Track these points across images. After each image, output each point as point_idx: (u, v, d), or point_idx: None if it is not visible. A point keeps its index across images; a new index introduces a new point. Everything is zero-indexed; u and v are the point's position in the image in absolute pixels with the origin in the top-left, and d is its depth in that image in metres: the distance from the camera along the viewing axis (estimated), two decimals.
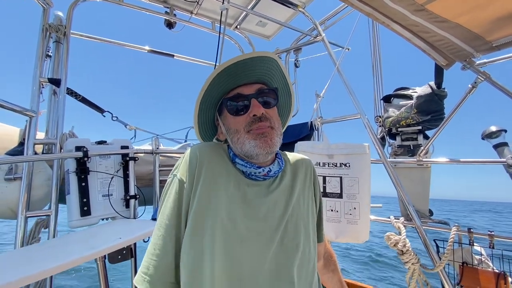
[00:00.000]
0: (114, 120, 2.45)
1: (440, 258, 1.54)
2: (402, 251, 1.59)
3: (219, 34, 1.98)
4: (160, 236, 0.65)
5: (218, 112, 0.79)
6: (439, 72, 1.73)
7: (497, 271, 1.46)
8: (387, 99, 2.12)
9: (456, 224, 1.59)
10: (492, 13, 1.13)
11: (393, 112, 1.99)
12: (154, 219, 1.61)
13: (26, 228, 1.53)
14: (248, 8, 2.38)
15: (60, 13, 2.03)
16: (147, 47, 2.68)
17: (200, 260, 0.60)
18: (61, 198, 1.63)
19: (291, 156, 0.87)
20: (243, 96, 0.72)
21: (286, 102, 0.87)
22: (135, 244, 1.50)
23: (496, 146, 1.54)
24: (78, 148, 1.52)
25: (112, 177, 1.64)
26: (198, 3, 2.42)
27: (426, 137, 1.92)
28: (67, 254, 1.02)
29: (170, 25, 2.54)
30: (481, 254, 1.54)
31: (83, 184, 1.52)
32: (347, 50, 2.41)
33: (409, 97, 1.94)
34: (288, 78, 0.82)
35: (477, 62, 1.42)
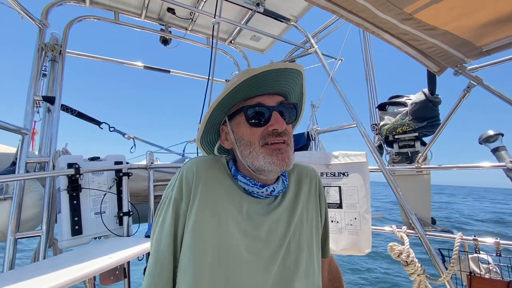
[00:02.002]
0: (111, 131, 2.44)
1: (446, 268, 1.48)
2: (406, 262, 1.54)
3: (212, 48, 2.01)
4: (156, 262, 0.61)
5: (229, 117, 0.71)
6: (431, 79, 1.75)
7: (507, 280, 1.40)
8: (382, 107, 2.13)
9: (460, 232, 1.54)
10: (479, 19, 1.15)
11: (389, 120, 1.99)
12: (147, 236, 1.56)
13: (15, 250, 1.47)
14: (242, 23, 2.43)
15: (56, 32, 2.06)
16: (142, 64, 2.72)
17: (197, 283, 0.57)
18: (56, 217, 1.58)
19: (295, 166, 0.82)
20: (264, 107, 0.66)
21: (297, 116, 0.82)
22: (128, 263, 1.44)
23: (494, 150, 1.52)
24: (70, 165, 1.49)
25: (105, 194, 1.60)
26: (192, 19, 2.47)
27: (423, 144, 1.91)
28: (54, 277, 0.97)
29: (165, 41, 2.58)
30: (488, 263, 1.48)
31: (75, 202, 1.48)
32: (340, 61, 2.45)
33: (403, 104, 1.94)
34: (305, 94, 0.77)
35: (469, 68, 1.43)
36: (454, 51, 1.36)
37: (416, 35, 1.27)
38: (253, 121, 0.66)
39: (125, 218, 1.62)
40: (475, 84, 1.42)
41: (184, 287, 0.57)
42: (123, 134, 2.57)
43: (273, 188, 0.69)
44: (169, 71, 2.92)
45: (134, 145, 2.52)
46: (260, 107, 0.66)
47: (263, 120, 0.66)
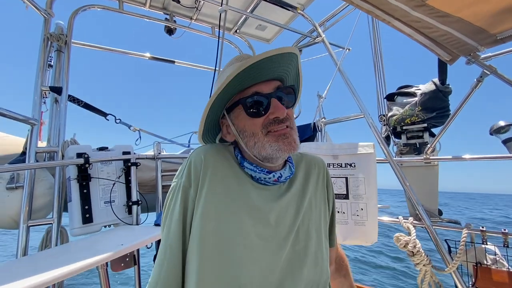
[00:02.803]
0: (117, 123, 2.45)
1: (452, 259, 1.49)
2: (412, 252, 1.54)
3: (218, 38, 1.98)
4: (166, 247, 0.61)
5: (227, 111, 0.71)
6: (442, 68, 1.71)
7: None
8: (390, 98, 2.10)
9: (468, 223, 1.54)
10: (495, 6, 1.11)
11: (397, 110, 1.96)
12: (157, 224, 1.58)
13: (28, 238, 1.51)
14: (248, 11, 2.39)
15: (61, 22, 2.05)
16: (148, 54, 2.70)
17: (206, 268, 0.57)
18: (65, 206, 1.62)
19: (302, 156, 0.82)
20: (262, 95, 0.64)
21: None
22: (138, 251, 1.47)
23: (505, 141, 1.50)
24: (79, 155, 1.50)
25: (114, 183, 1.62)
26: (197, 8, 2.43)
27: (432, 135, 1.89)
28: (68, 263, 0.99)
29: (170, 31, 2.56)
30: (495, 254, 1.48)
31: (85, 191, 1.50)
32: (347, 50, 2.40)
33: (412, 95, 1.91)
34: (301, 74, 0.75)
35: (482, 56, 1.39)
36: (468, 39, 1.32)
37: (428, 22, 1.23)
38: (253, 112, 0.65)
39: (134, 207, 1.64)
40: (489, 73, 1.39)
41: (192, 272, 0.58)
42: (129, 126, 2.59)
43: (280, 174, 0.68)
44: (174, 62, 2.90)
45: (140, 137, 2.53)
46: (258, 96, 0.64)
47: (263, 109, 0.64)
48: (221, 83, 0.63)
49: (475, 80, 1.46)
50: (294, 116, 0.84)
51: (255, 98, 0.64)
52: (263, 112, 0.64)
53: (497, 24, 1.20)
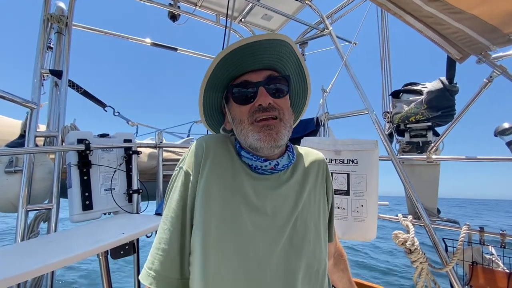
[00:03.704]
0: (115, 115, 2.42)
1: (449, 258, 1.50)
2: (410, 249, 1.55)
3: (225, 27, 1.93)
4: (165, 230, 0.63)
5: (225, 100, 0.74)
6: (451, 66, 1.68)
7: (507, 271, 1.42)
8: (396, 95, 2.07)
9: (467, 223, 1.55)
10: (509, 4, 1.08)
11: (402, 108, 1.95)
12: (157, 214, 1.58)
13: (27, 222, 1.50)
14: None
15: (61, 4, 1.98)
16: (150, 40, 2.64)
17: (206, 255, 0.58)
18: (63, 192, 1.60)
19: (304, 150, 0.82)
20: (250, 84, 0.66)
21: (301, 92, 0.80)
22: (137, 239, 1.47)
23: (509, 143, 1.49)
24: (80, 141, 1.48)
25: (115, 171, 1.60)
26: None
27: (435, 134, 1.88)
28: (68, 249, 0.99)
29: (173, 17, 2.49)
30: (491, 254, 1.50)
31: (85, 177, 1.49)
32: (354, 44, 2.36)
33: (419, 93, 1.89)
34: (304, 64, 0.74)
35: (493, 56, 1.37)
36: (480, 37, 1.29)
37: (441, 18, 1.20)
38: (239, 99, 0.67)
39: (135, 196, 1.63)
40: (499, 73, 1.37)
41: (195, 257, 0.59)
42: (127, 120, 2.55)
43: (277, 162, 0.68)
44: (176, 49, 2.84)
45: (136, 132, 2.51)
46: (245, 84, 0.67)
47: (249, 96, 0.66)
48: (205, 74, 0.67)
49: (485, 80, 1.44)
50: (307, 105, 0.83)
51: (241, 86, 0.67)
52: (251, 100, 0.66)
53: (511, 24, 1.18)
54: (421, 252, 1.55)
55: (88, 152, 1.47)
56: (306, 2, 2.34)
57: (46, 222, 1.58)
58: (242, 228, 0.60)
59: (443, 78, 1.76)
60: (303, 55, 2.61)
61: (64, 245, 1.03)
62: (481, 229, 1.48)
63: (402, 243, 1.57)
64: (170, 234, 0.62)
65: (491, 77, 1.39)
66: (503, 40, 1.28)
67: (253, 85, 0.66)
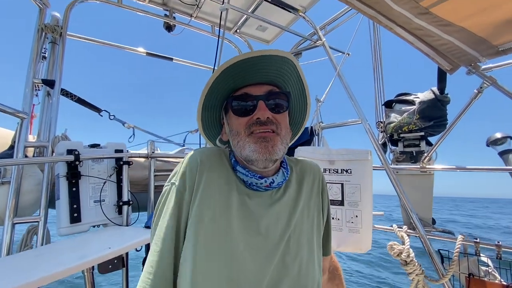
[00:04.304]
0: (111, 119, 2.40)
1: (445, 269, 1.48)
2: (405, 261, 1.53)
3: (218, 37, 1.95)
4: (157, 252, 0.59)
5: (224, 110, 0.74)
6: (442, 77, 1.70)
7: (505, 283, 1.40)
8: (388, 105, 2.09)
9: (462, 233, 1.53)
10: (498, 17, 1.10)
11: (395, 118, 1.96)
12: (147, 227, 1.54)
13: (13, 235, 1.46)
14: (249, 11, 2.36)
15: (57, 14, 1.99)
16: (145, 50, 2.65)
17: (197, 274, 0.55)
18: (52, 203, 1.56)
19: (298, 162, 0.80)
20: (250, 97, 0.66)
21: (301, 110, 0.79)
22: (127, 253, 1.43)
23: (501, 153, 1.50)
24: (69, 152, 1.46)
25: (105, 182, 1.57)
26: (198, 6, 2.40)
27: (428, 144, 1.88)
28: (52, 265, 0.95)
29: (169, 28, 2.51)
30: (487, 265, 1.48)
31: (74, 189, 1.45)
32: (347, 55, 2.39)
33: (411, 103, 1.90)
34: (305, 83, 0.75)
35: (483, 67, 1.39)
36: (469, 49, 1.31)
37: (431, 30, 1.22)
38: (238, 111, 0.67)
39: (125, 207, 1.60)
40: (489, 84, 1.38)
41: (183, 278, 0.56)
42: (123, 123, 2.54)
43: (272, 179, 0.67)
44: (172, 59, 2.86)
45: (133, 134, 2.49)
46: (245, 97, 0.66)
47: (249, 109, 0.66)
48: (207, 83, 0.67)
49: (475, 90, 1.45)
50: (306, 124, 0.83)
51: (241, 99, 0.67)
52: (248, 113, 0.65)
53: (499, 36, 1.20)
54: (416, 264, 1.52)
55: (77, 163, 1.44)
56: (300, 14, 2.37)
57: None
58: (235, 247, 0.59)
59: (435, 89, 1.78)
60: None
61: (49, 261, 1.00)
62: (476, 240, 1.46)
63: (398, 255, 1.55)
64: (162, 256, 0.58)
65: (481, 87, 1.41)
66: (492, 52, 1.31)
67: (253, 98, 0.66)
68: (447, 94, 1.76)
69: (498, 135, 1.58)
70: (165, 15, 2.46)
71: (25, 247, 1.49)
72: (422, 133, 1.84)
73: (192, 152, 0.69)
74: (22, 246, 1.51)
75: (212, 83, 0.66)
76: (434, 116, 1.77)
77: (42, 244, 1.46)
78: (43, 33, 1.89)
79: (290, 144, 0.74)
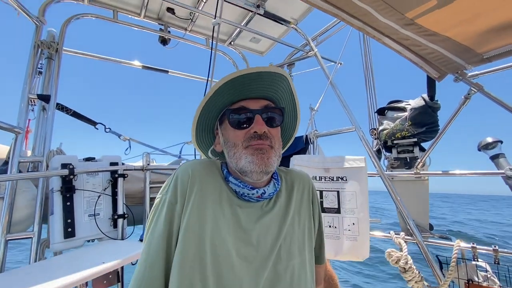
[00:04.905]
0: (107, 132, 2.41)
1: (444, 275, 1.47)
2: (404, 268, 1.52)
3: (211, 50, 1.99)
4: (146, 267, 0.58)
5: (219, 122, 0.75)
6: (431, 85, 1.74)
7: None
8: (381, 112, 2.12)
9: (459, 239, 1.53)
10: (481, 26, 1.14)
11: (388, 125, 1.99)
12: (142, 240, 1.52)
13: (6, 252, 1.43)
14: (242, 24, 2.42)
15: (53, 30, 2.03)
16: (140, 63, 2.69)
17: (189, 286, 0.55)
18: (46, 219, 1.54)
19: (287, 172, 0.82)
20: (247, 110, 0.68)
21: (291, 124, 0.83)
22: (122, 268, 1.41)
23: (493, 158, 1.52)
24: (64, 166, 1.45)
25: (99, 196, 1.56)
26: (192, 20, 2.45)
27: (422, 149, 1.91)
28: (45, 282, 0.94)
29: (164, 41, 2.56)
30: (486, 271, 1.47)
31: (68, 203, 1.44)
32: (339, 64, 2.44)
33: (403, 110, 1.94)
34: (297, 100, 0.78)
35: (469, 74, 1.43)
36: (455, 57, 1.35)
37: (417, 40, 1.26)
38: (236, 124, 0.68)
39: (120, 221, 1.58)
40: (475, 90, 1.42)
41: None
42: (119, 136, 2.54)
43: (264, 190, 0.68)
44: (167, 71, 2.89)
45: (130, 146, 2.49)
46: (242, 110, 0.68)
47: (246, 123, 0.68)
48: (206, 94, 0.68)
49: (463, 97, 1.49)
50: (294, 137, 0.86)
51: (240, 112, 0.68)
52: (246, 126, 0.67)
53: (483, 44, 1.24)
54: (415, 271, 1.52)
55: (72, 177, 1.44)
56: (292, 26, 2.44)
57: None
58: (227, 258, 0.59)
59: (425, 96, 1.82)
60: (290, 75, 2.68)
61: (41, 278, 0.98)
62: (473, 246, 1.46)
63: (396, 262, 1.54)
64: (152, 270, 0.58)
65: (468, 94, 1.45)
66: (477, 60, 1.35)
67: (251, 112, 0.68)
68: (437, 100, 1.79)
69: (489, 139, 1.60)
70: (160, 29, 2.51)
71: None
72: (415, 139, 1.87)
73: (183, 164, 0.70)
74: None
75: (210, 95, 0.68)
76: (425, 122, 1.80)
77: (36, 261, 1.43)
78: (39, 49, 1.92)
79: (282, 153, 0.76)
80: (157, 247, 0.59)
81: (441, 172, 1.73)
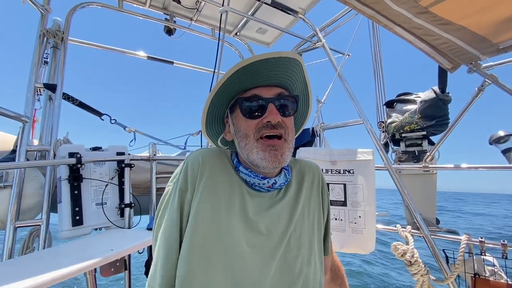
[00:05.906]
0: (112, 123, 2.41)
1: (450, 269, 1.46)
2: (410, 261, 1.51)
3: (218, 40, 1.96)
4: (163, 251, 0.58)
5: (230, 110, 0.73)
6: (442, 76, 1.70)
7: (511, 282, 1.38)
8: (390, 105, 2.09)
9: (467, 233, 1.52)
10: (498, 15, 1.10)
11: (396, 117, 1.95)
12: (149, 229, 1.54)
13: (15, 239, 1.46)
14: (249, 14, 2.38)
15: (58, 19, 2.01)
16: (146, 54, 2.67)
17: (197, 274, 0.55)
18: (54, 207, 1.56)
19: (297, 162, 0.81)
20: (260, 99, 0.65)
21: (303, 111, 0.80)
22: (129, 256, 1.42)
23: (505, 151, 1.49)
24: (71, 155, 1.46)
25: (107, 185, 1.57)
26: (198, 10, 2.42)
27: (430, 143, 1.88)
28: (54, 268, 0.95)
29: (169, 31, 2.53)
30: (493, 265, 1.46)
31: (76, 192, 1.45)
32: (347, 56, 2.39)
33: (412, 102, 1.90)
34: (309, 85, 0.75)
35: (484, 65, 1.38)
36: (469, 47, 1.31)
37: (430, 29, 1.22)
38: (248, 113, 0.65)
39: (127, 210, 1.59)
40: (490, 82, 1.38)
41: (180, 278, 0.55)
42: (124, 127, 2.54)
43: (275, 180, 0.67)
44: (172, 62, 2.87)
45: (134, 138, 2.49)
46: (255, 98, 0.65)
47: (258, 112, 0.65)
48: (218, 82, 0.65)
49: (476, 89, 1.45)
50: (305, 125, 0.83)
51: (251, 100, 0.65)
52: (259, 115, 0.65)
53: (499, 34, 1.20)
54: (421, 264, 1.51)
55: (79, 166, 1.45)
56: (299, 16, 2.39)
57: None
58: (236, 247, 0.59)
59: (436, 88, 1.78)
60: None
61: (50, 265, 0.99)
62: (481, 240, 1.45)
63: (402, 255, 1.54)
64: (167, 255, 0.58)
65: (482, 86, 1.41)
66: (492, 50, 1.30)
67: (264, 100, 0.65)
68: (448, 93, 1.75)
69: (501, 133, 1.57)
70: (166, 19, 2.48)
71: (27, 250, 1.48)
72: (424, 133, 1.84)
73: (193, 152, 0.69)
74: (24, 248, 1.51)
75: (223, 82, 0.65)
76: (436, 115, 1.77)
77: (44, 248, 1.46)
78: (45, 38, 1.91)
79: None
80: (171, 235, 0.59)
81: (449, 165, 1.70)
